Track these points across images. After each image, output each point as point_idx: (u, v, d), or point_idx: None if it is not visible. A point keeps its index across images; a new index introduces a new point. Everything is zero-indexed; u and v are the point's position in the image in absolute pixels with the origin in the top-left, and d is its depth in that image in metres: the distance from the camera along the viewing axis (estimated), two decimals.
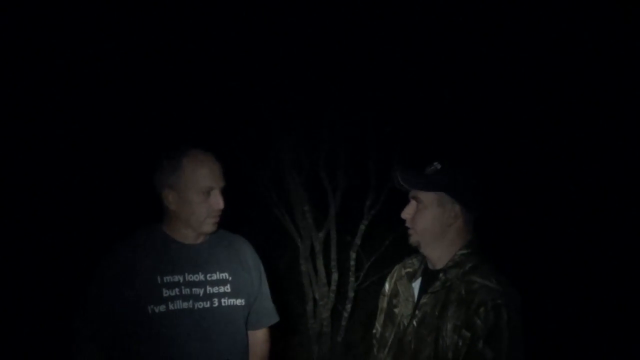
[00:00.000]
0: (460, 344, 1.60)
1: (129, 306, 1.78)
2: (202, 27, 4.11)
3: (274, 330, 2.17)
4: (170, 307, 1.81)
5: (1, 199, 4.47)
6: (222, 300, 1.90)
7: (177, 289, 1.83)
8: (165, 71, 4.22)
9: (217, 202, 1.86)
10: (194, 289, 1.86)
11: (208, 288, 1.88)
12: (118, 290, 1.79)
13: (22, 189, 4.64)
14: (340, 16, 4.11)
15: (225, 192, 1.91)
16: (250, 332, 2.03)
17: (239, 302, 1.94)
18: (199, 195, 1.84)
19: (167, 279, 1.83)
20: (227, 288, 1.92)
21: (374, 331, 1.93)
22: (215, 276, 1.91)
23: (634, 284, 4.77)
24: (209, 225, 1.88)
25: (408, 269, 1.88)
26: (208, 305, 1.87)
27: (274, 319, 2.11)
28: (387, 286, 1.94)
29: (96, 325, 1.82)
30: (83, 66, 4.41)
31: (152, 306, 1.79)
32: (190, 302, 1.84)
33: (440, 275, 1.73)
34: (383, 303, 1.92)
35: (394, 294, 1.88)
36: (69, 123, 4.62)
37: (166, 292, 1.82)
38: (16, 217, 4.57)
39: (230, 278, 1.93)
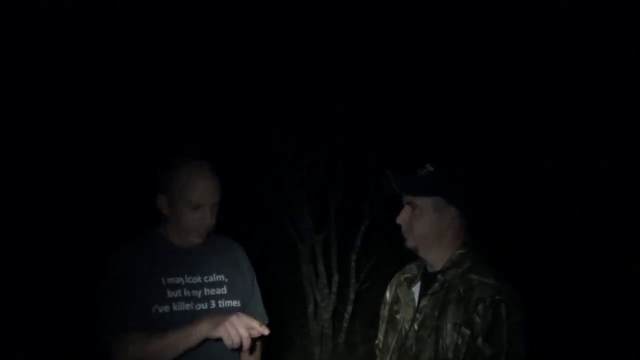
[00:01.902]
0: (460, 342, 1.60)
1: (136, 306, 1.80)
2: (204, 31, 4.12)
3: (273, 332, 2.18)
4: (174, 308, 1.83)
5: (3, 201, 4.48)
6: (219, 301, 1.92)
7: (179, 291, 1.86)
8: (167, 74, 4.23)
9: (204, 218, 1.86)
10: (193, 291, 1.88)
11: (205, 290, 1.91)
12: (127, 290, 1.80)
13: (26, 191, 4.65)
14: (339, 19, 4.12)
15: (223, 198, 1.91)
16: None
17: (235, 303, 1.96)
18: (187, 208, 1.85)
19: (171, 280, 1.86)
20: (224, 290, 1.94)
21: (377, 342, 1.92)
22: (212, 278, 1.93)
23: (632, 282, 4.78)
24: (194, 237, 1.90)
25: (407, 275, 1.88)
26: (206, 306, 1.89)
27: (265, 321, 2.12)
28: (387, 295, 1.93)
29: (122, 319, 1.80)
30: (87, 68, 4.42)
31: (156, 306, 1.81)
32: (191, 303, 1.87)
33: (439, 276, 1.73)
34: (384, 311, 1.91)
35: (395, 300, 1.88)
36: (70, 124, 4.62)
37: (170, 293, 1.84)
38: (19, 219, 4.57)
39: (226, 280, 1.96)
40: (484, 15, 4.20)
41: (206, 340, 1.85)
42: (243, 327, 1.61)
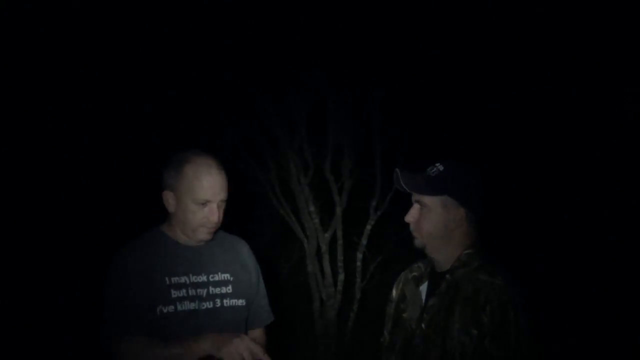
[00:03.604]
0: (467, 342, 1.59)
1: (141, 307, 1.79)
2: (208, 29, 4.12)
3: (278, 330, 2.17)
4: (179, 307, 1.82)
5: (7, 200, 4.49)
6: (225, 300, 1.91)
7: (184, 290, 1.85)
8: (173, 74, 4.23)
9: (212, 215, 1.85)
10: (198, 290, 1.87)
11: (211, 289, 1.90)
12: (132, 292, 1.80)
13: (30, 191, 4.66)
14: (345, 17, 4.11)
15: (230, 196, 1.90)
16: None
17: (240, 302, 1.95)
18: (194, 205, 1.84)
19: (175, 280, 1.85)
20: (229, 289, 1.93)
21: (382, 339, 1.92)
22: (217, 277, 1.92)
23: (635, 283, 4.75)
24: (201, 235, 1.88)
25: (414, 273, 1.87)
26: (211, 305, 1.88)
27: (270, 318, 2.12)
28: (394, 292, 1.92)
29: (125, 321, 1.81)
30: (88, 67, 4.43)
31: (160, 307, 1.80)
32: (196, 302, 1.86)
33: (447, 276, 1.72)
34: (391, 310, 1.91)
35: (401, 299, 1.87)
36: (73, 123, 4.63)
37: (174, 293, 1.83)
38: (22, 219, 4.58)
39: (231, 279, 1.95)
40: (494, 12, 4.18)
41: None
42: (247, 352, 1.61)
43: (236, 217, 2.04)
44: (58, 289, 4.37)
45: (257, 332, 2.09)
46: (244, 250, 2.06)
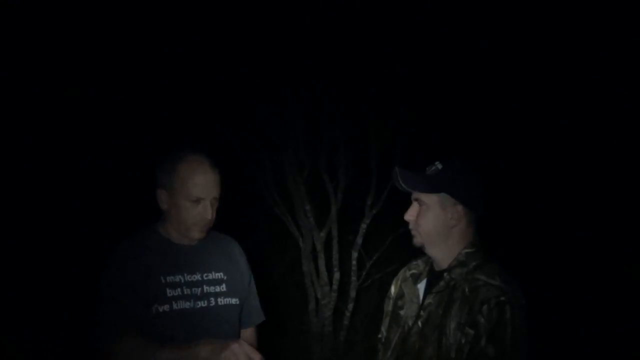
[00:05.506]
0: (463, 342, 1.60)
1: (137, 306, 1.79)
2: (204, 28, 4.12)
3: (273, 330, 2.17)
4: (174, 306, 1.83)
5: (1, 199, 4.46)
6: (219, 299, 1.92)
7: (179, 289, 1.85)
8: (168, 73, 4.22)
9: (206, 212, 1.86)
10: (193, 289, 1.88)
11: (205, 287, 1.90)
12: (128, 291, 1.80)
13: (21, 189, 4.63)
14: (340, 15, 4.11)
15: (225, 194, 1.91)
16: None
17: (234, 301, 1.96)
18: (187, 202, 1.85)
19: (170, 278, 1.85)
20: (223, 287, 1.94)
21: (380, 335, 1.93)
22: (211, 276, 1.93)
23: (634, 283, 4.76)
24: (195, 233, 1.89)
25: (413, 271, 1.89)
26: (205, 304, 1.89)
27: (261, 318, 2.13)
28: (392, 289, 1.94)
29: (120, 321, 1.80)
30: (85, 66, 4.41)
31: (156, 305, 1.81)
32: (191, 301, 1.86)
33: (445, 275, 1.73)
34: (388, 307, 1.92)
35: (399, 296, 1.88)
36: (68, 121, 4.62)
37: (170, 292, 1.84)
38: (16, 217, 4.55)
39: (225, 277, 1.96)
40: (495, 10, 4.18)
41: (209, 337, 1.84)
42: (245, 357, 1.60)
43: (231, 216, 2.04)
44: (50, 289, 4.34)
45: (248, 332, 2.09)
46: (236, 250, 2.07)
